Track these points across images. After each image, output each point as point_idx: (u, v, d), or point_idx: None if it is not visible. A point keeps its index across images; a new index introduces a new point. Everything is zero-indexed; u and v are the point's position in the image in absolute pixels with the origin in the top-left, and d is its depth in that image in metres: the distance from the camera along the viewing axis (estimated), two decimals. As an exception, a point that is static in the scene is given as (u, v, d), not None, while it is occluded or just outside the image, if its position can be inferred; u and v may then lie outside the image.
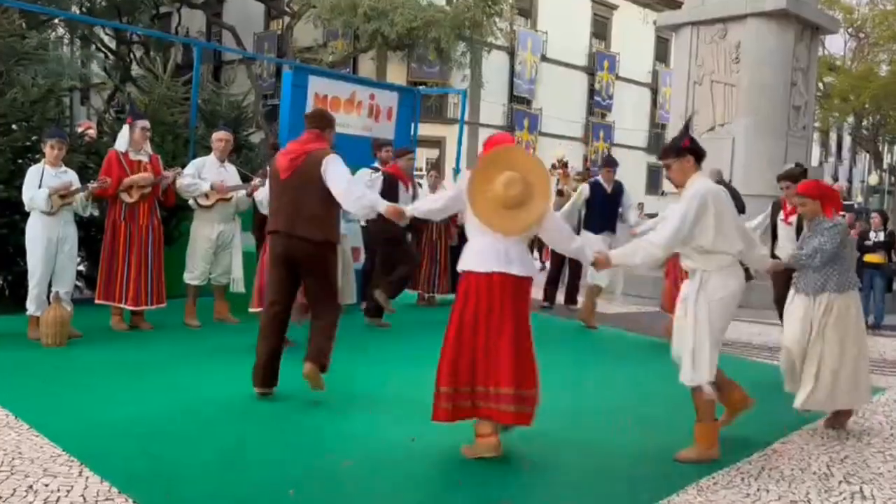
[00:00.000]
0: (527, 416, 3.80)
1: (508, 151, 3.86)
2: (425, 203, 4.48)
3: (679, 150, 4.02)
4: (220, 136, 7.04)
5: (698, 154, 4.03)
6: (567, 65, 30.83)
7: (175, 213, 7.69)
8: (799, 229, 5.54)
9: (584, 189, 8.18)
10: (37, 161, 6.48)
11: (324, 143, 4.76)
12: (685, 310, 4.05)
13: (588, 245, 4.26)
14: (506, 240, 3.77)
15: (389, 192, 7.29)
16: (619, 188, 8.16)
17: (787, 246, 6.23)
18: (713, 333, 3.96)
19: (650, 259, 4.03)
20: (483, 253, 3.79)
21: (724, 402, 4.28)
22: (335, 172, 4.54)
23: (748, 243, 4.14)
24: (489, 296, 3.75)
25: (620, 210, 8.09)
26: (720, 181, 11.39)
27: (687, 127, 4.36)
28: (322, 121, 4.88)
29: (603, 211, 8.06)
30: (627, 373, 6.14)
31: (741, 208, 11.04)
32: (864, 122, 36.59)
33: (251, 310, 6.13)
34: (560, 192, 11.71)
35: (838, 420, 4.80)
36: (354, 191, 4.56)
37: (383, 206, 4.49)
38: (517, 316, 3.79)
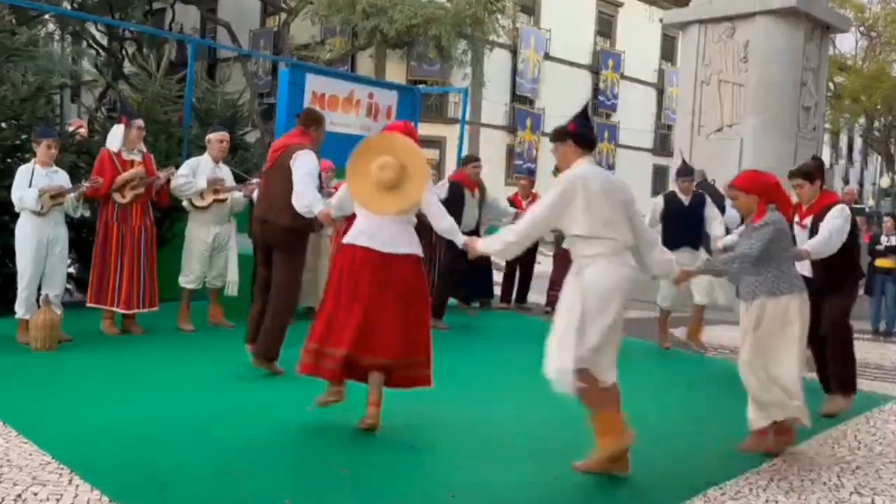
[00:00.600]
0: (421, 378, 4.23)
1: (386, 137, 4.19)
2: (334, 205, 4.73)
3: (562, 134, 3.90)
4: (220, 137, 7.00)
5: (581, 139, 3.85)
6: (571, 63, 30.86)
7: (168, 215, 7.69)
8: (813, 231, 5.12)
9: (658, 202, 7.60)
10: (26, 160, 6.48)
11: (306, 138, 5.19)
12: (562, 302, 3.82)
13: (458, 230, 4.39)
14: (391, 221, 4.13)
15: (455, 199, 7.75)
16: (699, 200, 7.36)
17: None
18: (589, 322, 3.66)
19: (506, 246, 3.91)
20: (369, 232, 4.17)
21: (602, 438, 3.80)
22: (297, 167, 4.93)
23: (646, 242, 3.91)
24: (372, 272, 4.11)
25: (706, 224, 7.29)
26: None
27: (584, 111, 3.97)
28: (306, 118, 5.34)
29: (680, 226, 7.24)
30: (629, 379, 6.13)
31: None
32: (876, 124, 36.65)
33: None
34: None
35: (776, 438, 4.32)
36: (299, 188, 4.88)
37: (318, 208, 4.77)
38: (406, 292, 4.16)
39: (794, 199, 5.21)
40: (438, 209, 4.36)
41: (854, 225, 5.20)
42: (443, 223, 4.33)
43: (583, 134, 3.87)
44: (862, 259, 9.81)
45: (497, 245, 3.97)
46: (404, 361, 4.22)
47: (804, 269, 5.26)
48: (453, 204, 8.10)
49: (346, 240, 4.28)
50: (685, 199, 7.43)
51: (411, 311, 4.22)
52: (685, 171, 7.60)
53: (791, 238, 4.35)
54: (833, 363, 5.21)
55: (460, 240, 4.28)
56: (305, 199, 4.82)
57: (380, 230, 4.17)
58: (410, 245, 4.25)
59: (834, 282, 5.13)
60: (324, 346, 4.22)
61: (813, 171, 5.19)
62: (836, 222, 4.97)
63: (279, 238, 5.21)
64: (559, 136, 3.92)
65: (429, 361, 4.32)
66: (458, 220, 7.82)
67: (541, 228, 3.88)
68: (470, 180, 8.13)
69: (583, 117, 3.94)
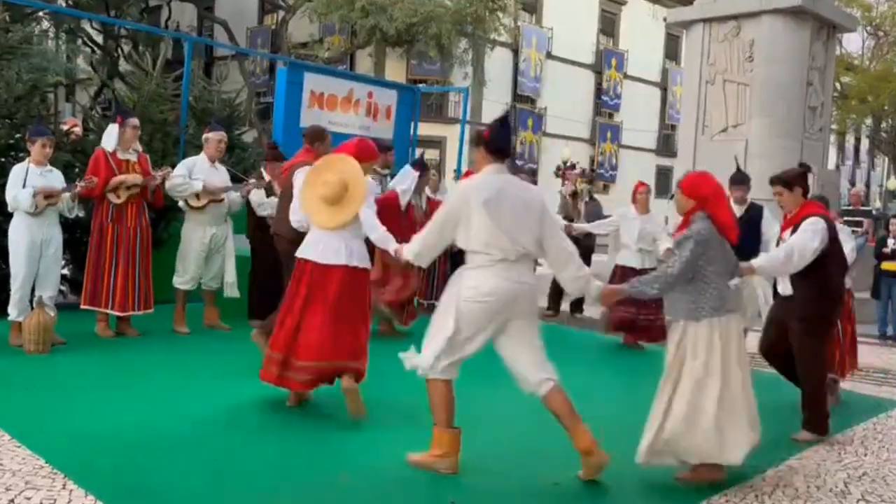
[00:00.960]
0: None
1: (333, 158, 4.62)
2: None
3: (478, 139, 3.92)
4: (219, 137, 7.01)
5: (491, 147, 3.84)
6: (573, 62, 30.91)
7: (164, 215, 7.69)
8: None
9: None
10: (20, 160, 6.48)
11: (310, 156, 5.61)
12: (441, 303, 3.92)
13: (390, 239, 4.55)
14: (334, 233, 4.53)
15: None
16: (755, 213, 6.32)
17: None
18: (450, 328, 3.74)
19: (415, 256, 4.02)
20: (312, 244, 4.63)
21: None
22: (296, 184, 5.25)
23: (556, 259, 3.83)
24: (323, 283, 4.53)
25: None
26: None
27: (503, 118, 3.98)
28: (311, 136, 5.82)
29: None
30: (635, 382, 6.13)
31: None
32: (883, 125, 36.70)
33: None
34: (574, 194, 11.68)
35: (699, 475, 3.94)
36: (294, 204, 5.21)
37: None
38: (337, 300, 4.53)
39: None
40: (370, 222, 4.63)
41: (835, 242, 4.67)
42: (373, 234, 4.63)
43: (494, 142, 3.85)
44: (869, 262, 9.90)
45: (410, 255, 4.08)
46: (335, 364, 4.58)
47: (785, 287, 4.89)
48: None
49: (296, 253, 4.72)
50: (738, 212, 6.31)
51: (342, 318, 4.56)
52: (739, 179, 6.54)
53: (722, 251, 3.92)
54: (805, 398, 4.82)
55: (392, 247, 4.47)
56: (297, 214, 5.16)
57: (321, 241, 4.59)
58: (349, 257, 4.57)
59: (803, 311, 4.70)
60: (278, 353, 4.63)
61: (792, 179, 4.78)
62: (801, 237, 4.53)
63: (287, 249, 5.52)
64: (475, 140, 3.96)
65: (359, 370, 4.69)
66: None
67: (438, 239, 3.91)
68: None
69: (501, 125, 3.93)
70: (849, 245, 5.72)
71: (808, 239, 4.54)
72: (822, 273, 4.65)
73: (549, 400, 3.84)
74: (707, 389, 3.81)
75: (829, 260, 4.66)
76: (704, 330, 3.83)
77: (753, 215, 6.27)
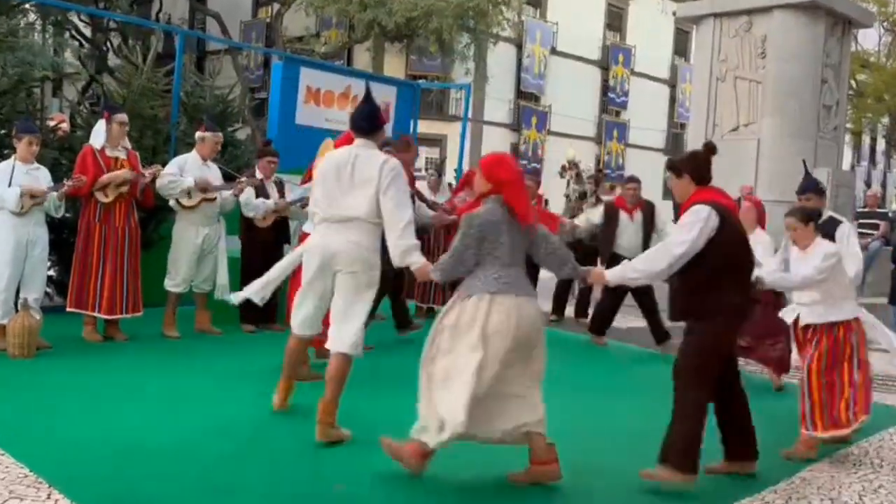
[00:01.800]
0: None
1: (324, 148, 5.21)
2: None
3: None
4: (217, 139, 7.08)
5: (350, 124, 4.56)
6: (579, 58, 30.93)
7: (154, 215, 7.68)
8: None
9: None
10: (6, 157, 6.48)
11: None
12: None
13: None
14: None
15: (609, 221, 7.86)
16: (828, 225, 5.13)
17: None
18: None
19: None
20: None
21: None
22: None
23: (386, 223, 4.22)
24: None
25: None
26: None
27: (366, 96, 4.62)
28: (398, 146, 6.56)
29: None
30: (640, 387, 6.13)
31: None
32: (900, 124, 36.64)
33: None
34: (582, 196, 11.68)
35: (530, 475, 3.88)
36: None
37: None
38: None
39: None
40: None
41: (722, 234, 3.84)
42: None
43: (353, 120, 4.55)
44: (886, 267, 9.88)
45: None
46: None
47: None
48: (606, 226, 7.91)
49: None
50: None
51: None
52: (809, 186, 5.36)
53: (511, 238, 3.78)
54: (674, 421, 4.01)
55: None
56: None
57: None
58: None
59: (689, 312, 4.02)
60: None
61: (680, 163, 4.11)
62: (675, 238, 3.90)
63: None
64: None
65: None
66: (612, 243, 7.77)
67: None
68: (625, 202, 7.89)
69: (364, 103, 4.56)
70: (852, 266, 4.88)
71: (682, 232, 3.87)
72: (703, 273, 3.89)
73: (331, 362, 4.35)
74: (468, 366, 3.71)
75: (713, 257, 3.86)
76: (471, 306, 3.78)
77: (825, 228, 4.96)
